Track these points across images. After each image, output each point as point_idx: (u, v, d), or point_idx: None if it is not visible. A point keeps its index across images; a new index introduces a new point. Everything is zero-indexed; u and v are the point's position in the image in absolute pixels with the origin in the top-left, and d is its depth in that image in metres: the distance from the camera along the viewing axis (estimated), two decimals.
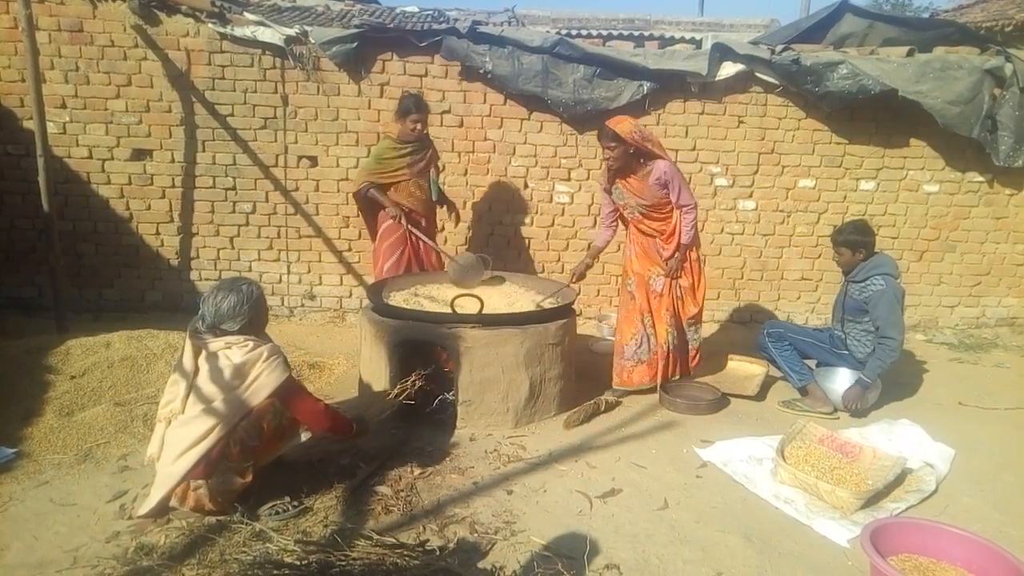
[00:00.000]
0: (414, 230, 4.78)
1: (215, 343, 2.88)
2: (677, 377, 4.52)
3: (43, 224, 4.98)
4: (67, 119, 5.47)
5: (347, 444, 3.56)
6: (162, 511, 2.83)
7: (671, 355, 4.41)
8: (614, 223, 4.51)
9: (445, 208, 5.13)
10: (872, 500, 3.18)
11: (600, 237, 4.59)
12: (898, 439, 3.87)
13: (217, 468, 2.79)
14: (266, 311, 3.08)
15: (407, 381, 3.64)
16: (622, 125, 4.05)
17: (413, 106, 4.65)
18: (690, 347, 4.54)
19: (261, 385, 2.85)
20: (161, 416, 2.91)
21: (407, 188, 4.78)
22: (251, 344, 2.89)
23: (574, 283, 4.57)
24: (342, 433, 3.20)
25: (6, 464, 3.22)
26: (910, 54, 5.61)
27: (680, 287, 4.37)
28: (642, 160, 4.15)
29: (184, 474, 2.77)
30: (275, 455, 3.02)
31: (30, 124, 4.90)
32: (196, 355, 2.88)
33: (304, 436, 3.10)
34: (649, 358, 4.40)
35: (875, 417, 4.26)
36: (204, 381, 2.84)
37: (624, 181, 4.23)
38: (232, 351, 2.86)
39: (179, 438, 2.81)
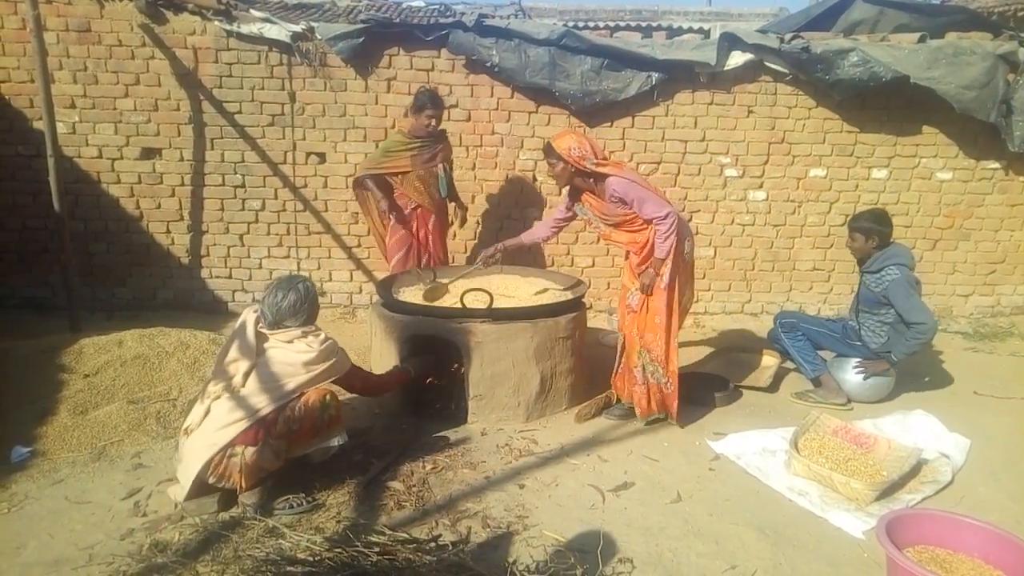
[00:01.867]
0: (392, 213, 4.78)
1: (287, 334, 3.05)
2: (658, 415, 3.95)
3: (54, 224, 5.01)
4: (76, 119, 5.49)
5: (359, 440, 3.57)
6: (201, 488, 2.86)
7: (648, 384, 3.88)
8: (557, 228, 4.17)
9: (454, 206, 5.12)
10: (887, 491, 3.16)
11: (532, 232, 4.31)
12: (913, 430, 3.84)
13: (264, 438, 2.86)
14: (318, 305, 3.27)
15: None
16: (560, 140, 3.74)
17: (429, 102, 4.64)
18: (659, 383, 3.87)
19: (335, 370, 3.12)
20: (209, 393, 2.95)
21: (411, 180, 4.76)
22: (323, 335, 3.12)
23: (484, 264, 4.26)
24: (402, 383, 3.75)
25: (22, 463, 3.25)
26: (922, 40, 5.54)
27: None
28: (591, 179, 3.79)
29: (230, 440, 2.82)
30: (306, 449, 3.06)
31: (40, 125, 4.91)
32: (260, 342, 3.01)
33: (337, 441, 3.12)
34: (617, 373, 4.03)
35: (889, 408, 4.23)
36: (271, 364, 2.97)
37: (585, 197, 3.91)
38: (309, 339, 3.06)
39: (230, 408, 2.87)
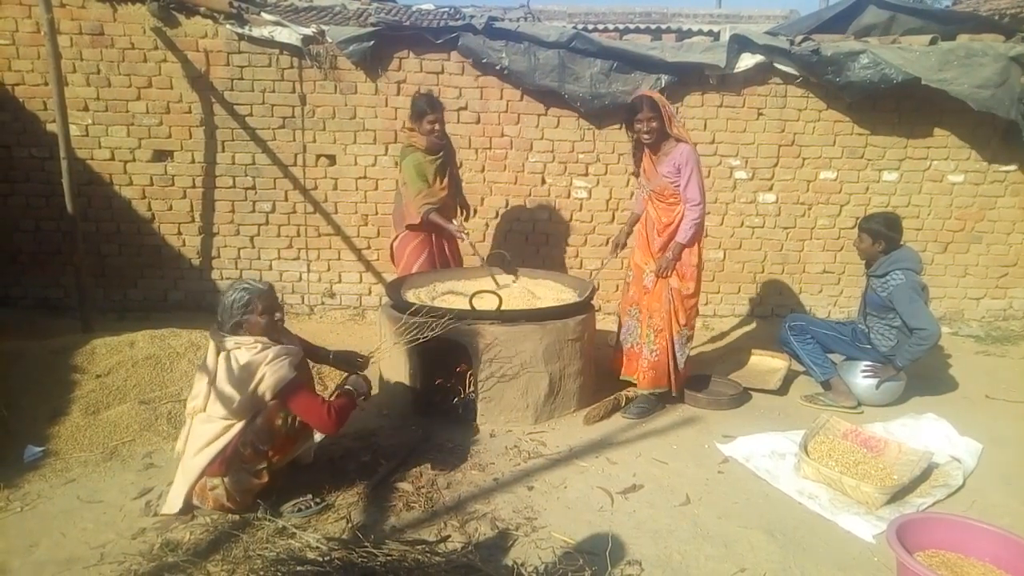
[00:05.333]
0: (470, 245, 4.72)
1: (229, 342, 2.88)
2: (663, 389, 4.14)
3: (67, 226, 5.05)
4: (89, 121, 5.54)
5: (368, 441, 3.58)
6: (187, 508, 2.86)
7: (649, 360, 4.08)
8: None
9: (459, 204, 5.13)
10: (898, 495, 3.14)
11: (636, 204, 4.38)
12: (924, 433, 3.83)
13: (232, 467, 2.81)
14: (247, 313, 2.90)
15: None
16: (657, 94, 3.88)
17: (427, 106, 4.49)
18: (679, 361, 4.12)
19: (266, 387, 2.81)
20: (188, 411, 2.95)
21: (451, 196, 4.75)
22: (260, 346, 2.87)
23: (614, 254, 4.40)
24: (351, 411, 3.02)
25: (34, 462, 3.28)
26: (933, 43, 5.52)
27: (671, 289, 4.01)
28: (665, 140, 3.90)
29: (202, 469, 2.81)
30: (290, 457, 3.02)
31: (53, 127, 4.96)
32: (217, 353, 2.90)
33: (319, 436, 3.10)
34: (628, 349, 4.23)
35: (900, 411, 4.21)
36: (221, 380, 2.85)
37: (644, 161, 4.04)
38: (240, 351, 2.85)
39: (200, 434, 2.86)
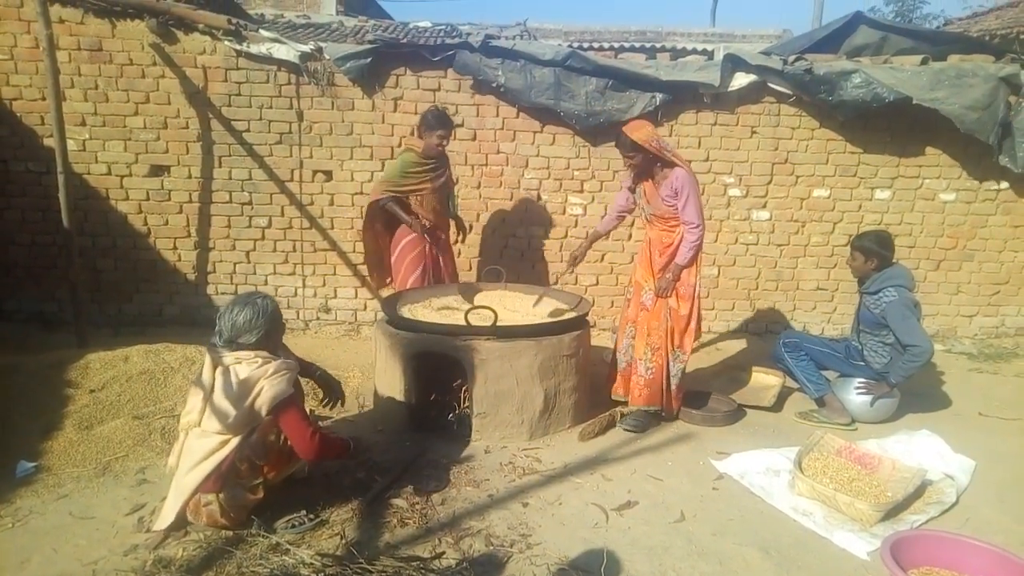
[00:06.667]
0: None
1: (228, 357, 2.89)
2: (656, 408, 4.17)
3: (63, 240, 5.05)
4: (87, 136, 5.55)
5: (363, 457, 3.57)
6: (180, 524, 2.84)
7: (644, 377, 4.11)
8: (621, 216, 4.41)
9: (455, 224, 5.17)
10: (892, 512, 3.15)
11: (602, 223, 4.51)
12: (917, 450, 3.84)
13: (227, 483, 2.80)
14: (282, 324, 3.09)
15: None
16: (640, 132, 3.90)
17: (440, 122, 4.67)
18: (672, 383, 4.17)
19: (263, 401, 2.83)
20: (181, 426, 2.94)
21: (431, 203, 4.80)
22: (260, 360, 2.89)
23: (571, 269, 4.52)
24: (336, 457, 3.18)
25: (27, 477, 3.26)
26: (924, 62, 5.59)
27: (670, 309, 4.07)
28: (659, 166, 3.98)
29: (196, 486, 2.79)
30: (285, 473, 3.02)
31: (50, 142, 4.98)
32: (214, 368, 2.90)
33: None
34: (622, 369, 4.28)
35: (894, 428, 4.22)
36: (218, 395, 2.85)
37: (643, 183, 4.11)
38: (241, 366, 2.86)
39: (194, 449, 2.84)
